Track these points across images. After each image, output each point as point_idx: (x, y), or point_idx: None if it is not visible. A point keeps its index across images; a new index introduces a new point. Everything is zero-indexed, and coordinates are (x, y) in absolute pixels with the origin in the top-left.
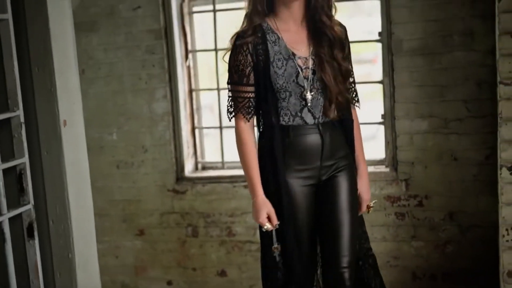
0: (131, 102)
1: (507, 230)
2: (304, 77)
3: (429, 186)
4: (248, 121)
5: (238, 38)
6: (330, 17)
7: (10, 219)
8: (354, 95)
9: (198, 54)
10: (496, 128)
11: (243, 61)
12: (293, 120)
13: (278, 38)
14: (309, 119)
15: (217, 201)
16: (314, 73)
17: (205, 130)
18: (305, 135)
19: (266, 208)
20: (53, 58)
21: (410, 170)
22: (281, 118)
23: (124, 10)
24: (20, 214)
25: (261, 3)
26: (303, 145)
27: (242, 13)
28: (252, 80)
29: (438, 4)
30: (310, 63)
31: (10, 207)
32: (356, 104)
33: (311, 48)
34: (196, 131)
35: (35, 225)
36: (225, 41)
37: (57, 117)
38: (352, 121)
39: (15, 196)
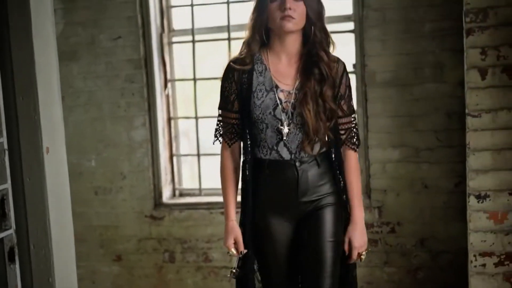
0: (110, 129)
1: (475, 256)
2: (283, 111)
3: (401, 213)
4: (230, 146)
5: (228, 65)
6: (328, 53)
7: None
8: (349, 137)
9: (177, 83)
10: (465, 158)
11: (228, 88)
12: (270, 154)
13: (265, 69)
14: (285, 153)
15: (194, 227)
16: (295, 107)
17: (182, 157)
18: (281, 169)
19: (233, 233)
20: (37, 88)
21: (383, 198)
22: (259, 151)
23: (105, 40)
24: (1, 239)
25: (259, 33)
26: (278, 180)
27: (220, 44)
28: (236, 107)
29: (410, 38)
30: (293, 97)
31: None
32: (351, 146)
33: (298, 82)
34: (174, 158)
35: (16, 250)
36: (203, 71)
37: (40, 145)
38: (335, 157)
39: None
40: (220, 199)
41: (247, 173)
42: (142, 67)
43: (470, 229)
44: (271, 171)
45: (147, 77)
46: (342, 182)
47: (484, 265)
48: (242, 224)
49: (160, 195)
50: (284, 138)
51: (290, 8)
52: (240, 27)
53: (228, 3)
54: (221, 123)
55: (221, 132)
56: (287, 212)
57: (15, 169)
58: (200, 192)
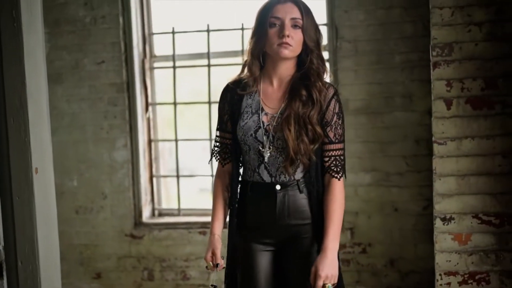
0: (92, 150)
1: (440, 275)
2: (265, 134)
3: (372, 235)
4: (223, 166)
5: (225, 87)
6: (321, 79)
7: None
8: (333, 165)
9: (158, 106)
10: (432, 182)
11: (222, 108)
12: (253, 176)
13: (255, 92)
14: (266, 176)
15: (173, 246)
16: (276, 131)
17: (162, 178)
18: (262, 192)
19: (212, 247)
20: (28, 110)
21: (355, 220)
22: (245, 172)
23: (89, 64)
24: None
25: (258, 57)
26: (259, 202)
27: (200, 70)
28: (229, 128)
29: (381, 69)
30: (276, 120)
31: None
32: (334, 174)
33: (283, 106)
34: (154, 179)
35: (4, 265)
36: (183, 95)
37: (29, 165)
38: (317, 184)
39: None
40: (198, 219)
41: (235, 193)
42: (124, 90)
43: (437, 250)
44: (253, 193)
45: (129, 101)
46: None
47: (449, 283)
48: (228, 246)
49: (140, 214)
50: (265, 160)
51: (288, 36)
52: (219, 54)
53: (208, 31)
54: (217, 143)
55: (216, 152)
56: (267, 234)
57: (4, 188)
58: (179, 212)
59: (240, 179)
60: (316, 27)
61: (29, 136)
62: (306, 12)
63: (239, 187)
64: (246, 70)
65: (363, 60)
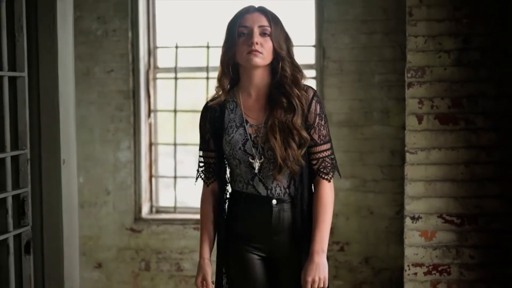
0: (98, 150)
1: (408, 266)
2: (253, 146)
3: (349, 235)
4: (208, 186)
5: (204, 106)
6: (297, 84)
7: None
8: (322, 166)
9: (159, 113)
10: (404, 189)
11: (203, 127)
12: (247, 188)
13: (236, 106)
14: (261, 189)
15: (169, 240)
16: (264, 141)
17: (160, 178)
18: (256, 204)
19: (202, 272)
20: (59, 110)
21: (335, 221)
22: (236, 185)
23: (99, 72)
24: (19, 234)
25: (228, 67)
26: (253, 214)
27: (199, 82)
28: (212, 146)
29: (362, 87)
30: (262, 131)
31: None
32: (323, 176)
33: (265, 116)
34: (153, 179)
35: (31, 243)
36: (183, 104)
37: (58, 157)
38: (302, 191)
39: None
40: (192, 216)
41: (224, 206)
42: (130, 97)
43: (406, 244)
44: (246, 204)
45: (134, 107)
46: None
47: (416, 273)
48: (218, 257)
49: (140, 210)
50: (257, 172)
51: (257, 43)
52: (217, 69)
53: (208, 47)
54: (201, 163)
55: (200, 172)
56: (260, 246)
57: (35, 176)
58: (175, 209)
59: (228, 194)
60: (285, 35)
61: (59, 132)
62: (274, 20)
63: (228, 199)
64: (216, 83)
65: (347, 79)
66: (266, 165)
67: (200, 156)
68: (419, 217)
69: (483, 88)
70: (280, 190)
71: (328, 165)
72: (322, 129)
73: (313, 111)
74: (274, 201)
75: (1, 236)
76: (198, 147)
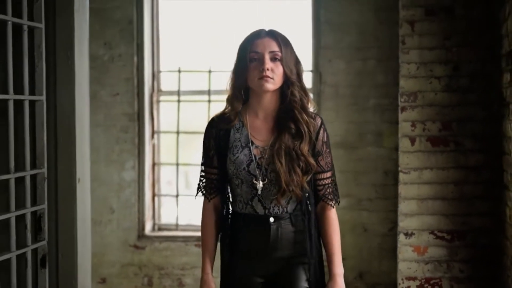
0: (104, 170)
1: (402, 279)
2: (257, 167)
3: (344, 251)
4: (209, 201)
5: (209, 122)
6: (306, 110)
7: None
8: (327, 192)
9: (162, 135)
10: (397, 207)
11: (207, 144)
12: (245, 208)
13: (242, 126)
14: (260, 209)
15: (171, 256)
16: (269, 163)
17: (162, 197)
18: (255, 224)
19: (207, 287)
20: (75, 132)
21: None
22: (236, 205)
23: (105, 96)
24: (36, 248)
25: (240, 91)
26: (252, 234)
27: (201, 104)
28: (215, 163)
29: (357, 110)
30: (267, 153)
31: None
32: (328, 202)
33: (272, 138)
34: (156, 198)
35: (47, 257)
36: (185, 126)
37: (74, 176)
38: (310, 216)
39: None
40: (194, 233)
41: (226, 226)
42: (135, 120)
43: (399, 259)
44: (246, 225)
45: (138, 128)
46: (319, 241)
47: (409, 286)
48: (222, 278)
49: (143, 228)
50: (259, 193)
51: (268, 69)
52: (218, 92)
53: (209, 72)
54: (203, 178)
55: (202, 187)
56: (259, 266)
57: (51, 194)
58: (177, 227)
59: (230, 211)
60: (295, 58)
61: (75, 153)
62: (284, 44)
63: (230, 218)
64: (228, 105)
65: (343, 102)
66: (267, 187)
67: (201, 171)
68: (412, 233)
69: (471, 112)
70: (278, 209)
71: (332, 191)
72: (328, 156)
73: (321, 139)
74: (271, 219)
75: (20, 250)
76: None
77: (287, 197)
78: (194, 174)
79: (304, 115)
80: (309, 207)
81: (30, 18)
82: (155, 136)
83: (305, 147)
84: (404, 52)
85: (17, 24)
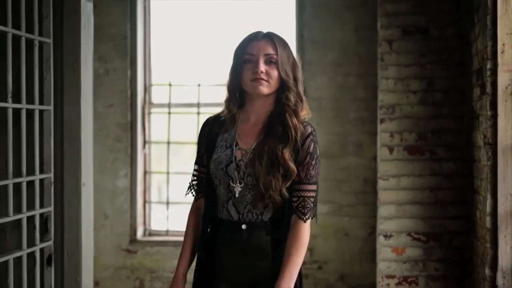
0: (98, 178)
1: (382, 277)
2: (236, 169)
3: (327, 254)
4: (196, 200)
5: (204, 121)
6: (298, 116)
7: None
8: (300, 205)
9: (153, 145)
10: (376, 213)
11: (200, 142)
12: (222, 212)
13: (233, 127)
14: (234, 213)
15: (162, 260)
16: (247, 167)
17: (153, 204)
18: (228, 229)
19: (175, 286)
20: (80, 139)
21: (314, 242)
22: (215, 208)
23: (99, 107)
24: (43, 248)
25: (235, 94)
26: (225, 240)
27: (191, 117)
28: (205, 162)
29: (338, 122)
30: (248, 156)
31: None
32: (299, 214)
33: (257, 142)
34: (147, 204)
35: (53, 256)
36: (175, 137)
37: (79, 180)
38: (287, 226)
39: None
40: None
41: (204, 229)
42: (128, 130)
43: (379, 259)
44: (220, 230)
45: (131, 138)
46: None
47: (388, 284)
48: (194, 281)
49: (135, 233)
50: (234, 196)
51: (262, 72)
52: (207, 105)
53: (199, 85)
54: (194, 177)
55: (192, 186)
56: (230, 274)
57: (57, 197)
58: (167, 232)
59: (212, 214)
60: (293, 61)
61: (80, 159)
62: (282, 47)
63: (209, 222)
64: (225, 107)
65: (325, 115)
66: (243, 191)
67: (194, 169)
68: (390, 235)
69: (445, 124)
70: (253, 216)
71: (307, 205)
72: (311, 169)
73: (306, 148)
74: (243, 226)
75: (30, 248)
76: (188, 176)
77: (265, 202)
78: (183, 181)
79: (295, 119)
80: (287, 217)
81: (40, 33)
82: (147, 145)
83: (287, 151)
84: (383, 68)
85: (29, 39)
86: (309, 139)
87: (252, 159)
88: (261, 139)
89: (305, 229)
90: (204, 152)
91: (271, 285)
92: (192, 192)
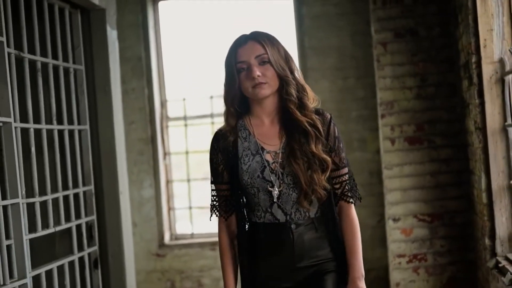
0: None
1: (393, 257)
2: (272, 172)
3: None
4: (226, 220)
5: (213, 137)
6: (305, 107)
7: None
8: (345, 190)
9: (172, 155)
10: (383, 203)
11: (215, 159)
12: (264, 217)
13: (249, 134)
14: (280, 215)
15: (190, 261)
16: (284, 167)
17: (177, 210)
18: (276, 233)
19: None
20: (116, 154)
21: None
22: (254, 215)
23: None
24: (90, 253)
25: (233, 106)
26: (274, 244)
27: (205, 127)
28: (226, 178)
29: (342, 121)
30: (280, 157)
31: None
32: (347, 199)
33: (283, 142)
34: (171, 211)
35: (99, 260)
36: (193, 146)
37: (117, 190)
38: (334, 219)
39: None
40: (207, 239)
41: (244, 240)
42: (149, 143)
43: (389, 241)
44: (266, 234)
45: (153, 151)
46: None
47: (400, 263)
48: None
49: (162, 238)
50: (275, 199)
51: (259, 75)
52: (220, 115)
53: (211, 97)
54: (215, 197)
55: (216, 207)
56: (285, 278)
57: (99, 206)
58: (191, 236)
59: (247, 226)
60: (285, 55)
61: (117, 171)
62: (270, 44)
63: (247, 232)
64: (224, 120)
65: None
66: (285, 191)
67: (212, 190)
68: (398, 219)
69: (439, 114)
70: (300, 214)
71: (351, 188)
72: (341, 152)
73: (332, 133)
74: (293, 226)
75: (79, 253)
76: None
77: (310, 198)
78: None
79: (304, 112)
80: (334, 209)
81: (73, 61)
82: (167, 157)
83: (317, 144)
84: (379, 68)
85: (65, 67)
86: (332, 124)
87: (286, 158)
88: (286, 139)
89: (355, 213)
90: (224, 168)
91: (331, 275)
92: (215, 213)
